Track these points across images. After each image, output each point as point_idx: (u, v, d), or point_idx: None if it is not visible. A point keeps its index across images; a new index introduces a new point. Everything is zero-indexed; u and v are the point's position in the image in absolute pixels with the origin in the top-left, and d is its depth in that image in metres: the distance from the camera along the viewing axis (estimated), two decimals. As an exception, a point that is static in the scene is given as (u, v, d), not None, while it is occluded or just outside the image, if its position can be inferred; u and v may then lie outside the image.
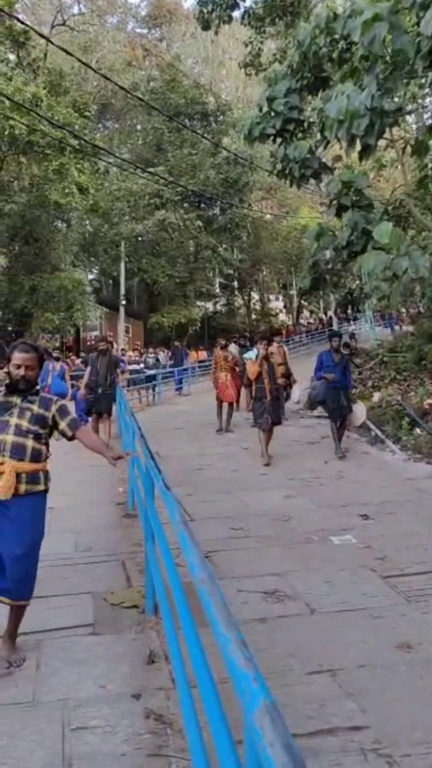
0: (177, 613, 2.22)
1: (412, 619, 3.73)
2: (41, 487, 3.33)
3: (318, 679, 3.11)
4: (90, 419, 10.29)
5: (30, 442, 3.28)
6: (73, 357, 23.32)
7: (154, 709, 2.82)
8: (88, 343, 28.62)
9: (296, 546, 5.19)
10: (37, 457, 3.30)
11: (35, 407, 3.37)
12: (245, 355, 11.95)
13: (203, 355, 28.64)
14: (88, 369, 10.53)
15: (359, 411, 9.46)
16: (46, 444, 3.43)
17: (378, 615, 3.81)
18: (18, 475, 3.20)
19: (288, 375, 11.68)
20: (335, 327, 19.13)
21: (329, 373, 8.73)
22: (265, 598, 4.09)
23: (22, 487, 3.21)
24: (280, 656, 3.35)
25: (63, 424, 3.45)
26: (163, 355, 23.17)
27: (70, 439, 3.49)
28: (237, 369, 11.87)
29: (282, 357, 11.67)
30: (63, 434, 3.48)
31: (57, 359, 13.25)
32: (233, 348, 14.27)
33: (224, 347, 12.50)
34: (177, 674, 2.48)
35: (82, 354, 23.48)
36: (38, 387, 3.48)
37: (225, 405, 11.70)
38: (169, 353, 23.83)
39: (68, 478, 8.32)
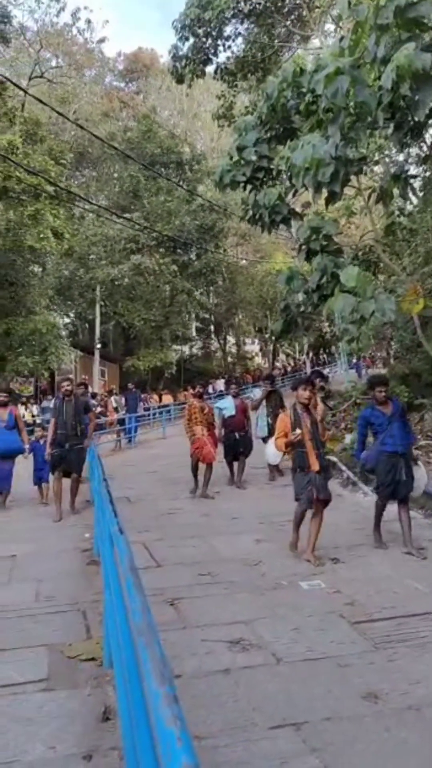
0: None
1: (380, 667, 3.61)
2: None
3: (281, 734, 2.96)
4: (53, 476, 8.49)
5: None
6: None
7: (106, 772, 2.65)
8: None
9: (265, 592, 5.04)
10: None
11: None
12: (217, 405, 10.67)
13: (168, 398, 27.04)
14: (52, 420, 8.49)
15: (421, 477, 6.85)
16: None
17: (345, 663, 3.68)
18: None
19: None
20: (308, 370, 19.19)
21: (386, 436, 6.23)
22: (230, 648, 3.93)
23: None
24: (242, 710, 3.20)
25: None
26: (115, 398, 21.18)
27: None
28: (214, 424, 9.76)
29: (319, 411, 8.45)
30: None
31: (7, 403, 9.23)
32: (258, 392, 11.52)
33: (199, 396, 10.24)
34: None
35: (49, 397, 22.36)
36: None
37: (202, 465, 9.51)
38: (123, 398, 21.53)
39: (33, 524, 8.11)
